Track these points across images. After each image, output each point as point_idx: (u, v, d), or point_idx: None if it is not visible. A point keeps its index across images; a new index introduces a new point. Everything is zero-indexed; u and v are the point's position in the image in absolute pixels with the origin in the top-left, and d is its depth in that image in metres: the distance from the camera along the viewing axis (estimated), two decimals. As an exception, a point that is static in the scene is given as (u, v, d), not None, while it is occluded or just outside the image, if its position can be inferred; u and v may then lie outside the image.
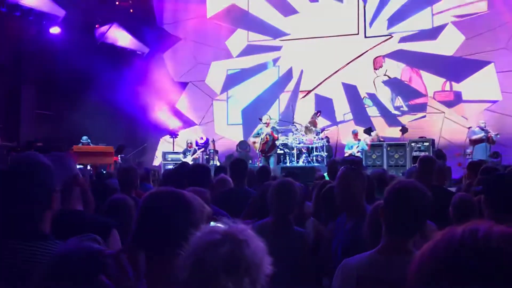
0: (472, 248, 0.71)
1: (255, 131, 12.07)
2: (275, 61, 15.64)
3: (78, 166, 10.09)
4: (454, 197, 3.28)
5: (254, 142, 11.01)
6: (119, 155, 12.74)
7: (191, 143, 13.53)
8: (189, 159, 12.77)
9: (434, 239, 0.76)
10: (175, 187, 1.86)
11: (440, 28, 13.87)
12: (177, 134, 15.42)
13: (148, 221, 1.43)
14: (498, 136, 10.59)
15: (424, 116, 13.97)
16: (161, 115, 15.79)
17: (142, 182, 5.64)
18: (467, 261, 0.70)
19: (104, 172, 11.21)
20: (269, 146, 10.55)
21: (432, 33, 13.95)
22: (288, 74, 15.44)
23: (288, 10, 15.36)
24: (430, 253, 0.75)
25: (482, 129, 10.66)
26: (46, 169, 1.72)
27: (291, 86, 15.39)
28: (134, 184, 3.97)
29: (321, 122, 13.59)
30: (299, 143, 12.64)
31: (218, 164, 13.58)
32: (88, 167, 11.16)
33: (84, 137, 12.32)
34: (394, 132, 13.49)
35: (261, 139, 10.55)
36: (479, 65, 13.40)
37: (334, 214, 3.22)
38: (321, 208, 3.57)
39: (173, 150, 14.69)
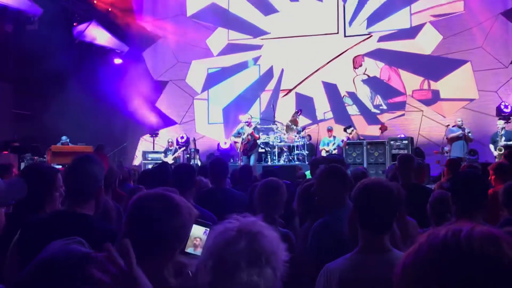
0: (454, 249, 0.72)
1: (236, 130, 12.06)
2: (255, 60, 15.64)
3: (57, 166, 9.93)
4: (432, 194, 3.33)
5: (236, 142, 10.99)
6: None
7: (172, 142, 13.46)
8: (170, 159, 12.69)
9: (417, 241, 0.77)
10: (157, 186, 1.85)
11: (418, 28, 14.05)
12: (157, 133, 15.31)
13: (137, 223, 1.42)
14: (470, 133, 10.78)
15: (403, 115, 14.14)
16: (141, 114, 15.65)
17: (123, 182, 5.59)
18: (450, 262, 0.71)
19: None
20: (250, 146, 10.56)
21: (411, 33, 14.13)
22: (269, 73, 15.46)
23: (268, 9, 15.37)
24: (413, 256, 0.75)
25: (459, 127, 10.83)
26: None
27: (271, 85, 15.41)
28: (112, 184, 3.92)
29: (302, 120, 13.65)
30: (280, 142, 12.68)
31: (199, 163, 13.54)
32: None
33: (64, 137, 12.14)
34: (374, 130, 13.63)
35: (243, 139, 10.54)
36: (456, 64, 13.63)
37: (312, 212, 3.23)
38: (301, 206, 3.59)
39: (153, 149, 14.58)
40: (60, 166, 10.59)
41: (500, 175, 4.57)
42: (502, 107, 12.20)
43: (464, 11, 13.58)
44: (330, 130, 12.24)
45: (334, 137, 12.03)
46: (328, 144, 11.83)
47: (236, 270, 1.15)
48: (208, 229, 1.51)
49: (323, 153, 11.79)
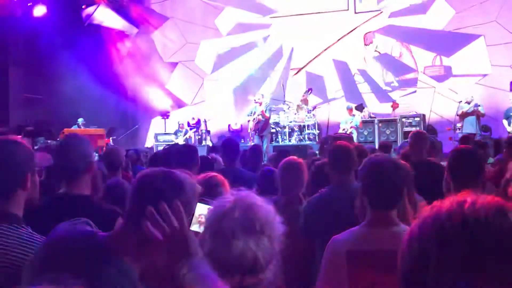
0: (459, 218, 0.72)
1: (248, 110, 12.04)
2: (265, 39, 15.51)
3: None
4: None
5: (249, 121, 11.05)
6: (110, 137, 12.70)
7: (182, 124, 13.48)
8: (180, 140, 12.75)
9: (423, 214, 0.78)
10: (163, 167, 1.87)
11: (430, 2, 13.79)
12: (168, 115, 15.36)
13: (141, 200, 1.45)
14: (480, 107, 10.64)
15: (415, 92, 14.00)
16: (152, 96, 15.68)
17: (134, 164, 5.66)
18: (455, 232, 0.71)
19: (97, 154, 11.20)
20: (261, 126, 10.54)
21: (422, 8, 13.88)
22: (278, 52, 15.35)
23: (277, -13, 15.19)
24: (419, 227, 0.76)
25: (469, 102, 10.71)
26: (22, 150, 1.75)
27: (281, 64, 15.31)
28: (121, 165, 3.97)
29: (313, 99, 13.59)
30: (290, 122, 12.66)
31: (210, 144, 13.59)
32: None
33: (80, 119, 12.22)
34: (385, 108, 13.53)
35: (254, 119, 10.54)
36: (469, 38, 13.39)
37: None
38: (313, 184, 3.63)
39: (165, 131, 14.64)
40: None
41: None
42: (516, 81, 12.00)
43: (477, -16, 13.28)
44: (349, 109, 12.15)
45: (353, 115, 11.96)
46: (346, 123, 11.79)
47: (233, 238, 1.22)
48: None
49: (340, 131, 11.74)
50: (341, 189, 2.83)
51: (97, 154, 11.32)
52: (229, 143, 4.18)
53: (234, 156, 4.13)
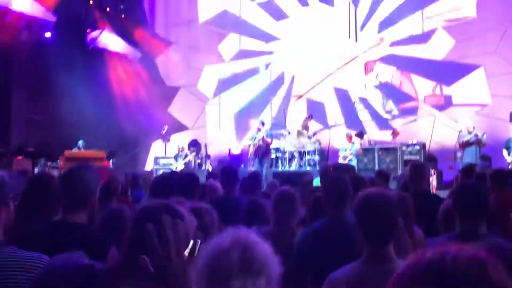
0: (439, 270, 0.72)
1: (250, 134, 12.07)
2: (267, 65, 15.68)
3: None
4: (443, 204, 3.31)
5: (249, 146, 11.06)
6: (110, 160, 12.70)
7: (182, 147, 13.49)
8: (180, 164, 12.75)
9: (407, 261, 0.78)
10: (163, 197, 1.87)
11: (431, 33, 13.97)
12: (169, 139, 15.38)
13: (140, 233, 1.45)
14: (485, 135, 10.65)
15: (415, 120, 14.06)
16: (153, 119, 15.74)
17: (132, 188, 5.65)
18: (433, 283, 0.71)
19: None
20: (262, 151, 10.53)
21: (423, 38, 14.06)
22: (280, 79, 15.49)
23: (279, 15, 15.42)
24: (400, 274, 0.76)
25: (470, 132, 10.72)
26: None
27: (283, 90, 15.43)
28: (116, 191, 3.95)
29: (313, 126, 13.64)
30: (291, 147, 12.69)
31: (210, 168, 13.58)
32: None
33: (80, 141, 12.25)
34: (386, 136, 13.56)
35: (254, 144, 10.54)
36: (469, 69, 13.51)
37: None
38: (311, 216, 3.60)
39: (165, 154, 14.65)
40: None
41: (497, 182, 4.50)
42: (516, 112, 12.05)
43: (477, 16, 13.48)
44: (349, 136, 12.18)
45: (353, 143, 11.97)
46: (345, 150, 11.79)
47: (229, 279, 1.19)
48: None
49: (340, 159, 11.74)
50: (336, 223, 2.77)
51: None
52: (228, 170, 4.18)
53: (232, 183, 4.12)
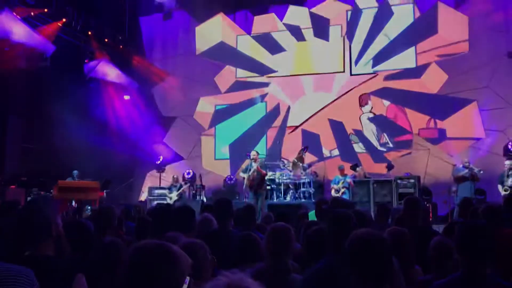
0: None
1: (243, 166, 12.06)
2: (262, 97, 15.81)
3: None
4: (433, 240, 3.28)
5: (243, 178, 10.96)
6: (104, 191, 12.62)
7: (177, 177, 13.42)
8: (174, 195, 12.67)
9: None
10: (156, 232, 1.85)
11: (424, 67, 14.20)
12: (164, 169, 15.35)
13: (136, 276, 1.43)
14: (482, 172, 10.69)
15: (410, 153, 14.12)
16: (149, 149, 15.75)
17: (125, 220, 5.58)
18: None
19: (89, 208, 11.10)
20: (257, 183, 10.47)
21: (416, 72, 14.27)
22: (276, 110, 15.60)
23: (275, 48, 15.66)
24: None
25: (466, 167, 10.75)
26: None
27: (278, 122, 15.52)
28: (112, 225, 3.92)
29: (308, 157, 13.66)
30: (286, 179, 12.66)
31: (204, 199, 13.50)
32: (73, 203, 11.04)
33: (75, 171, 12.19)
34: (380, 169, 13.58)
35: (248, 175, 10.49)
36: (462, 103, 13.68)
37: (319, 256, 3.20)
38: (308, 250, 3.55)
39: (160, 185, 14.58)
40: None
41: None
42: (510, 146, 12.15)
43: (470, 51, 13.73)
44: (342, 169, 12.18)
45: (346, 175, 11.96)
46: (338, 183, 11.76)
47: None
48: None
49: (332, 192, 11.71)
50: (340, 261, 2.72)
51: (89, 208, 11.24)
52: (222, 203, 4.15)
53: (227, 217, 4.09)
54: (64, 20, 13.21)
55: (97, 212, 4.08)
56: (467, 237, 2.46)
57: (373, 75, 14.73)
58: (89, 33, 14.27)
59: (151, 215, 4.17)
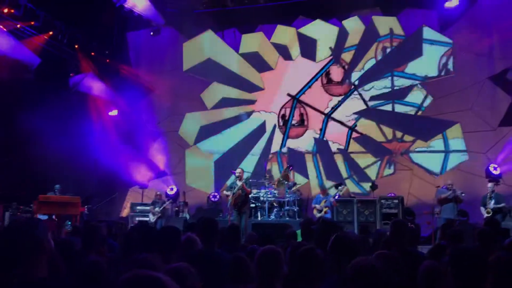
0: None
1: (228, 183, 11.96)
2: (249, 114, 15.82)
3: (43, 217, 9.71)
4: (421, 265, 3.27)
5: (227, 196, 10.85)
6: (86, 206, 12.41)
7: (160, 194, 13.23)
8: (157, 211, 12.50)
9: None
10: (141, 251, 1.78)
11: (409, 88, 14.36)
12: (147, 185, 15.18)
13: None
14: (464, 194, 10.76)
15: (394, 173, 14.20)
16: (132, 165, 15.58)
17: (107, 237, 5.46)
18: None
19: (69, 223, 10.88)
20: (241, 201, 10.38)
21: (401, 93, 14.42)
22: (262, 128, 15.60)
23: (263, 67, 15.73)
24: None
25: (449, 189, 10.83)
26: None
27: (264, 139, 15.51)
28: (97, 243, 3.86)
29: (293, 176, 13.65)
30: (271, 197, 12.61)
31: (187, 216, 13.36)
32: (54, 218, 10.81)
33: (57, 186, 11.97)
34: (365, 188, 13.64)
35: (233, 193, 10.40)
36: (446, 124, 13.85)
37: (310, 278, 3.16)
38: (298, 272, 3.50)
39: (142, 201, 14.40)
40: (46, 217, 10.42)
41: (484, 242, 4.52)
42: (491, 169, 12.31)
43: (454, 74, 13.96)
44: (323, 189, 12.17)
45: (328, 195, 11.95)
46: (319, 202, 11.73)
47: None
48: None
49: (314, 211, 11.69)
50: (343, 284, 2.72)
51: (69, 223, 11.01)
52: (207, 224, 4.07)
53: (212, 237, 4.01)
54: (51, 33, 13.10)
55: (84, 230, 4.00)
56: (460, 262, 2.49)
57: (358, 95, 14.83)
58: (76, 46, 14.18)
59: (135, 233, 4.08)
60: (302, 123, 15.16)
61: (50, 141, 12.39)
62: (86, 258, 3.34)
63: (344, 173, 14.51)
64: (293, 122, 15.18)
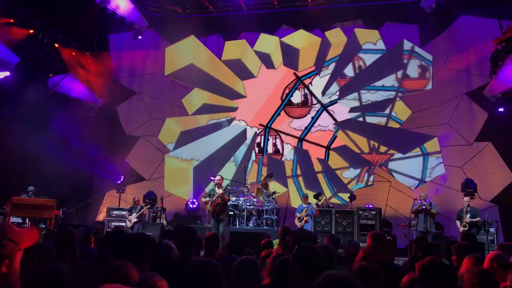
0: None
1: (207, 191, 11.86)
2: (230, 121, 15.78)
3: (16, 219, 9.44)
4: (405, 278, 3.27)
5: (206, 203, 10.71)
6: (61, 209, 12.16)
7: (138, 199, 13.04)
8: (134, 217, 12.31)
9: None
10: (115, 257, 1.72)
11: (389, 102, 14.54)
12: (124, 189, 14.97)
13: None
14: (433, 210, 10.79)
15: (372, 184, 14.32)
16: (109, 168, 15.35)
17: (82, 243, 5.32)
18: None
19: (44, 226, 10.64)
20: (220, 208, 10.29)
21: (381, 106, 14.58)
22: (242, 135, 15.58)
23: (245, 74, 15.74)
24: None
25: (421, 201, 10.94)
26: None
27: (244, 147, 15.49)
28: (72, 248, 3.76)
29: (273, 185, 13.65)
30: (249, 205, 12.56)
31: (165, 222, 13.20)
32: (27, 221, 10.56)
33: (31, 187, 11.69)
34: (343, 199, 13.71)
35: (212, 201, 10.29)
36: (424, 138, 14.05)
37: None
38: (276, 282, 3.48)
39: (119, 205, 14.19)
40: (19, 219, 10.17)
41: (462, 255, 4.58)
42: (467, 183, 12.49)
43: (433, 89, 14.20)
44: (305, 197, 12.18)
45: (309, 203, 11.94)
46: (301, 211, 11.73)
47: None
48: None
49: (296, 220, 11.67)
50: None
51: (43, 226, 10.77)
52: (186, 233, 4.02)
53: (190, 246, 3.96)
54: (31, 31, 12.84)
55: (57, 234, 3.88)
56: (431, 276, 2.57)
57: (339, 106, 14.94)
58: (56, 45, 13.94)
59: (106, 243, 3.98)
60: (277, 152, 15.25)
61: (27, 141, 12.15)
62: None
63: (323, 183, 14.57)
64: (269, 152, 15.27)
